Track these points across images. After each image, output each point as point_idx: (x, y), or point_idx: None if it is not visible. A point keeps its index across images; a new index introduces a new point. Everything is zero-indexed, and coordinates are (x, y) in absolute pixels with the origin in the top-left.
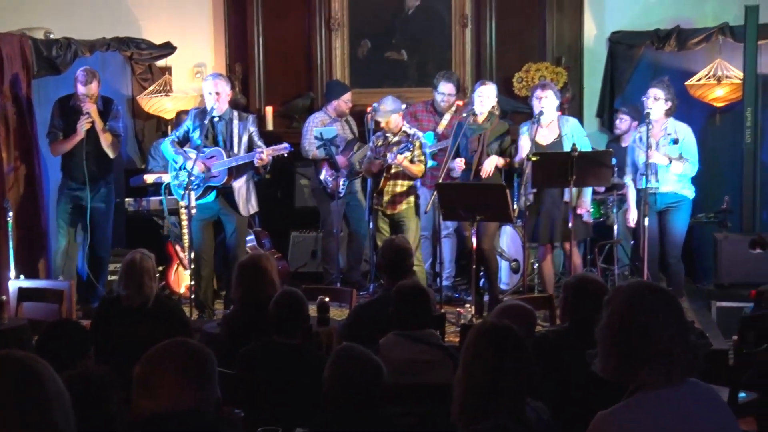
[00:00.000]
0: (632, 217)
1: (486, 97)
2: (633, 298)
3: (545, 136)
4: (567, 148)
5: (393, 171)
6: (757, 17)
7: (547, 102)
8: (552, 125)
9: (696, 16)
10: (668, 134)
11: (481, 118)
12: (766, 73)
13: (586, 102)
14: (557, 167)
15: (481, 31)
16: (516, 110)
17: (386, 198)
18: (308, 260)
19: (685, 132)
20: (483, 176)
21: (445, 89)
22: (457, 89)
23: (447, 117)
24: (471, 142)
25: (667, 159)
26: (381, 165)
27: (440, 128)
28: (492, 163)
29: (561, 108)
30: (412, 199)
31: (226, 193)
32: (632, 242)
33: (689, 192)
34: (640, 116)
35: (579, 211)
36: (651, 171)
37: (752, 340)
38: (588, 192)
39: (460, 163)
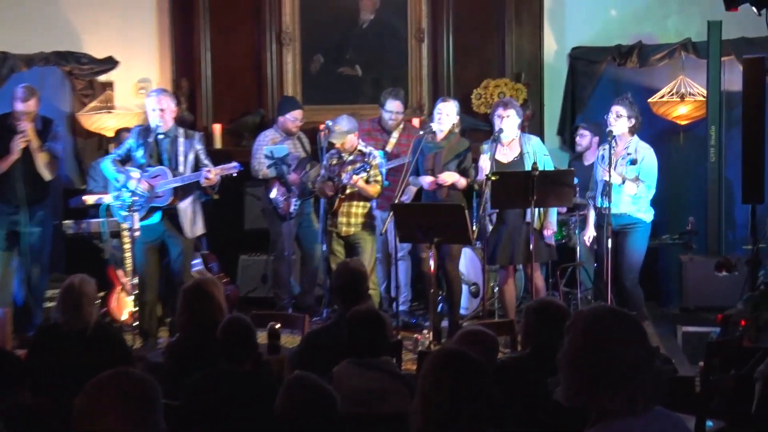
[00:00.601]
0: (588, 235)
1: (446, 115)
2: (595, 323)
3: (506, 154)
4: (528, 167)
5: (348, 191)
6: (720, 33)
7: (509, 121)
8: (513, 143)
9: (658, 31)
10: (628, 154)
11: (440, 136)
12: (730, 91)
13: (546, 119)
14: (517, 187)
15: (438, 46)
16: (475, 128)
17: (341, 219)
18: (258, 285)
19: (645, 153)
20: (441, 182)
21: (393, 107)
22: (405, 106)
23: (395, 135)
24: (426, 161)
25: (621, 179)
26: (335, 186)
27: (389, 147)
28: (451, 176)
29: (521, 126)
30: (367, 220)
31: (171, 215)
32: (595, 265)
33: (646, 215)
34: (602, 132)
35: (546, 233)
36: (609, 190)
37: (719, 367)
38: (553, 212)
39: (428, 181)
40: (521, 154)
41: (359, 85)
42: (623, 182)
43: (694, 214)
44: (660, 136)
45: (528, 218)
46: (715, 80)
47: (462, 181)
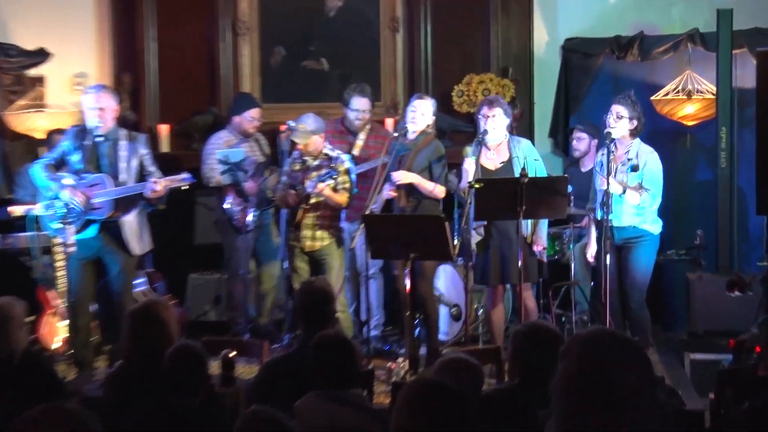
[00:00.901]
0: (590, 252)
1: (421, 114)
2: (592, 348)
3: (492, 159)
4: (518, 174)
5: (313, 201)
6: (730, 22)
7: (495, 122)
8: (501, 147)
9: (662, 21)
10: (628, 159)
11: (411, 137)
12: (743, 87)
13: (537, 120)
14: (504, 196)
15: (414, 38)
16: (456, 129)
17: (304, 232)
18: (210, 307)
19: (648, 158)
20: (394, 181)
21: (359, 105)
22: (373, 104)
23: (362, 137)
24: (395, 165)
25: (621, 187)
26: (298, 195)
27: (355, 150)
28: (409, 176)
29: (510, 127)
30: (335, 233)
31: (110, 228)
32: (592, 283)
33: (652, 227)
34: (600, 134)
35: (535, 248)
36: (608, 200)
37: (731, 399)
38: (544, 225)
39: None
40: (510, 160)
41: (325, 80)
42: (624, 191)
43: (703, 227)
44: (664, 138)
45: (525, 230)
46: (725, 76)
47: (427, 185)
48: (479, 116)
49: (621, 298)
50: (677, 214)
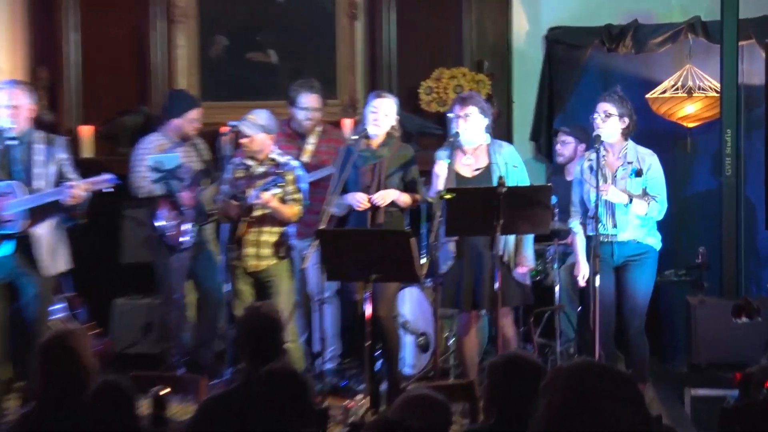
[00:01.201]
0: (582, 274)
1: (383, 114)
2: (579, 381)
3: (469, 165)
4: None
5: (257, 213)
6: (737, 10)
7: (469, 122)
8: (479, 152)
9: (659, 8)
10: (628, 163)
11: (376, 142)
12: (751, 84)
13: (516, 121)
14: (479, 208)
15: (376, 26)
16: (423, 131)
17: (248, 250)
18: (139, 337)
19: (650, 161)
20: (376, 203)
21: (308, 102)
22: (322, 100)
23: (312, 140)
24: (362, 175)
25: (627, 196)
26: (241, 206)
27: (305, 156)
28: (391, 194)
29: (490, 128)
30: (283, 250)
31: (25, 245)
32: (579, 308)
33: (655, 241)
34: (589, 137)
35: (519, 270)
36: (607, 212)
37: None
38: (529, 243)
39: (359, 199)
40: (489, 166)
41: (274, 75)
42: (630, 201)
43: (706, 244)
44: (660, 141)
45: (500, 249)
46: (730, 71)
47: (404, 198)
48: (451, 116)
49: (618, 325)
50: (676, 229)
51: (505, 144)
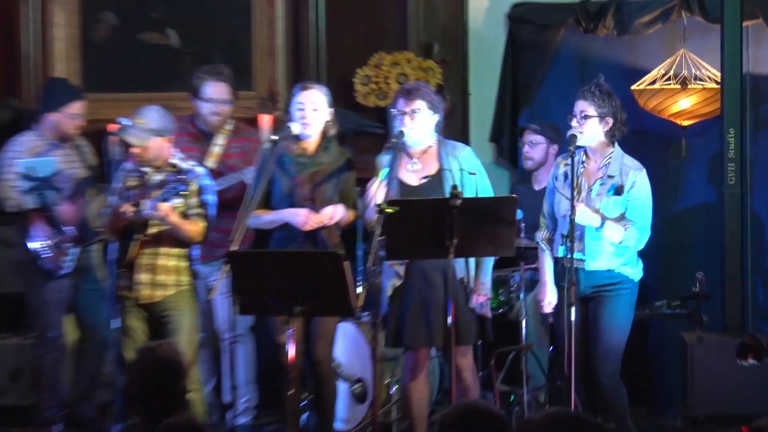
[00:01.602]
0: (548, 299)
1: (312, 110)
2: None
3: (417, 172)
4: (447, 187)
5: (153, 230)
6: None
7: (416, 120)
8: (428, 156)
9: None
10: (609, 177)
11: (311, 145)
12: (758, 73)
13: (473, 117)
14: (427, 225)
15: (301, 3)
16: (360, 130)
17: (141, 276)
18: (6, 385)
19: (635, 177)
20: (320, 223)
21: (215, 92)
22: (233, 91)
23: (220, 140)
24: (297, 185)
25: (599, 218)
26: (135, 212)
27: (210, 160)
28: (336, 209)
29: (441, 127)
30: (185, 278)
31: None
32: (551, 348)
33: (633, 271)
34: (562, 137)
35: (476, 299)
36: (575, 233)
37: None
38: (488, 267)
39: (304, 217)
40: (440, 173)
41: (174, 61)
42: (602, 224)
43: (704, 268)
44: (649, 144)
45: (460, 273)
46: (733, 57)
47: (350, 215)
48: (394, 112)
49: (587, 369)
50: (668, 251)
51: (459, 146)
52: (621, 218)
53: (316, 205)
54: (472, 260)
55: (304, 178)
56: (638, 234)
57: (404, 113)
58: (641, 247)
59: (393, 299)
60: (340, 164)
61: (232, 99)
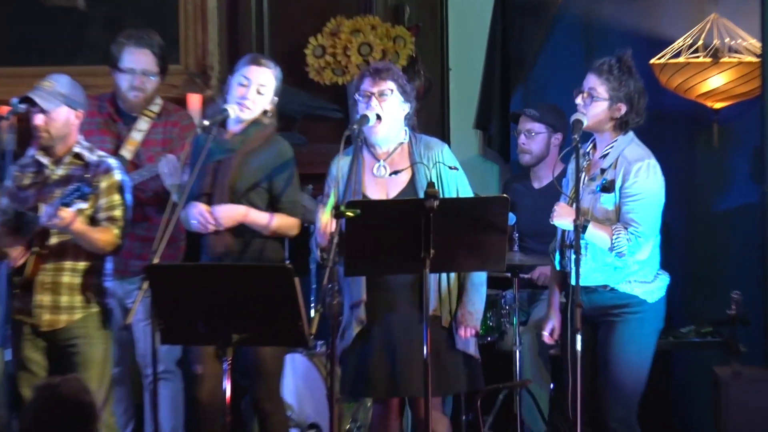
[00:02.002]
0: (548, 327)
1: (255, 91)
2: None
3: (383, 179)
4: (422, 191)
5: (54, 240)
6: None
7: (386, 104)
8: (398, 156)
9: None
10: (601, 170)
11: (237, 129)
12: None
13: (454, 98)
14: (397, 232)
15: None
16: (312, 112)
17: (39, 298)
18: None
19: (634, 169)
20: (215, 225)
21: (135, 61)
22: (162, 63)
23: (143, 125)
24: (206, 175)
25: (581, 220)
26: (28, 228)
27: (128, 149)
28: (234, 210)
29: (411, 117)
30: (94, 298)
31: None
32: (551, 386)
33: (649, 288)
34: (566, 125)
35: (460, 333)
36: (566, 239)
37: None
38: (478, 293)
39: (201, 215)
40: (412, 170)
41: (81, 27)
42: (584, 228)
43: (742, 287)
44: (673, 131)
45: (431, 305)
46: None
47: (260, 219)
48: (357, 95)
49: (593, 411)
50: (696, 265)
51: (434, 140)
52: (613, 219)
53: (215, 201)
54: (444, 281)
55: (211, 167)
56: (633, 240)
57: (371, 95)
58: (643, 256)
59: (356, 331)
60: (282, 160)
61: (157, 72)
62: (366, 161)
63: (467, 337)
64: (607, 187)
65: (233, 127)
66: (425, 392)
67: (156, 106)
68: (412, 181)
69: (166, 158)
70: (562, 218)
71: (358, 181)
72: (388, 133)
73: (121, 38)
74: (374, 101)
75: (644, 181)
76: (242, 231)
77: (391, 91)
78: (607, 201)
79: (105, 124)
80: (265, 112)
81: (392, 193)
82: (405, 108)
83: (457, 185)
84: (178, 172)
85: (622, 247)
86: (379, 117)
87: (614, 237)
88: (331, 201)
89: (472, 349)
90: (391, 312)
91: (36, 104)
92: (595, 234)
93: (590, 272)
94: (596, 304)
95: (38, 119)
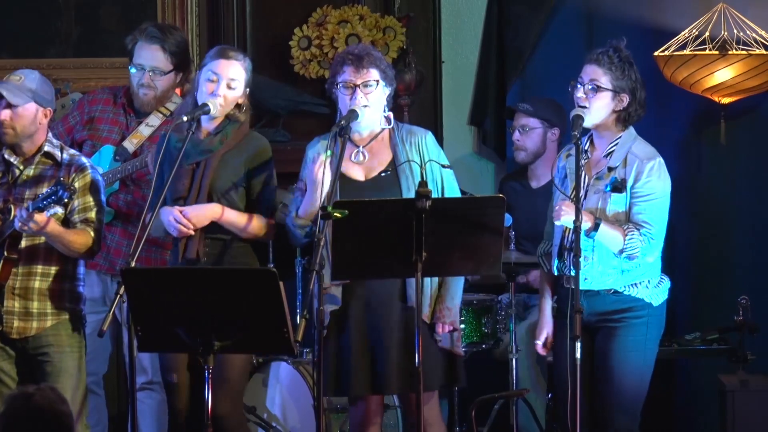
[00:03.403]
0: (542, 336)
1: (227, 86)
2: None
3: (366, 166)
4: (408, 189)
5: (25, 243)
6: None
7: (370, 96)
8: (378, 144)
9: None
10: (609, 169)
11: (206, 128)
12: None
13: (447, 92)
14: (387, 233)
15: None
16: (297, 108)
17: (11, 304)
18: None
19: (645, 167)
20: (185, 229)
21: (145, 57)
22: (176, 60)
23: (155, 120)
24: (183, 176)
25: (591, 221)
26: None
27: (132, 141)
28: (208, 211)
29: (390, 105)
30: (68, 305)
31: None
32: (548, 396)
33: (650, 291)
34: (565, 120)
35: (438, 330)
36: (566, 240)
37: None
38: (456, 287)
39: (174, 218)
40: (394, 166)
41: (53, 17)
42: (596, 229)
43: (749, 291)
44: (677, 127)
45: (411, 299)
46: None
47: (238, 220)
48: (337, 87)
49: (595, 423)
50: (702, 268)
51: (417, 130)
52: (623, 220)
53: (189, 204)
54: (433, 282)
55: (186, 170)
56: (645, 242)
57: (355, 86)
58: (652, 259)
59: (329, 332)
60: (261, 160)
61: (170, 69)
62: (349, 147)
63: (445, 332)
64: (619, 187)
65: (207, 125)
66: (415, 389)
67: (172, 105)
68: (394, 170)
69: (154, 148)
70: (568, 217)
71: (338, 168)
72: (371, 121)
73: (137, 32)
74: (359, 94)
75: (657, 180)
76: (214, 235)
77: (377, 82)
78: (618, 201)
79: (117, 114)
80: (238, 106)
81: (372, 175)
82: (387, 91)
83: (443, 185)
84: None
85: (634, 249)
86: (356, 115)
87: (627, 238)
88: (326, 153)
89: (455, 346)
90: (366, 307)
91: (2, 97)
92: (607, 234)
93: (598, 276)
94: (596, 309)
95: (4, 114)
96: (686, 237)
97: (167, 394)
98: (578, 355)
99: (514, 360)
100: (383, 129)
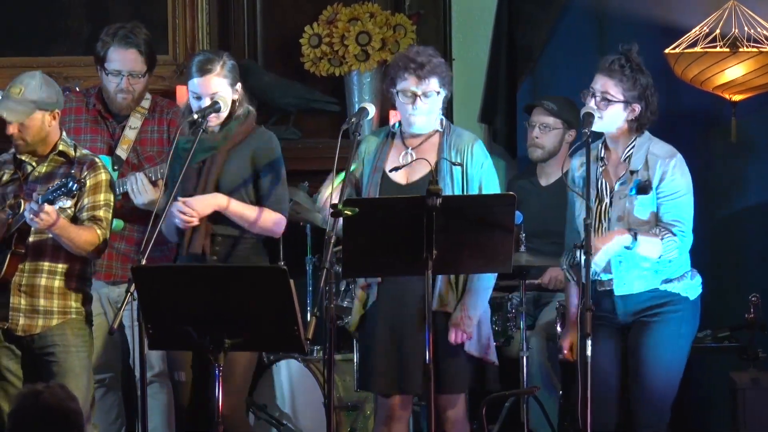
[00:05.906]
0: (570, 341)
1: (208, 100)
2: None
3: (410, 170)
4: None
5: (32, 239)
6: None
7: (430, 104)
8: (426, 146)
9: None
10: (631, 172)
11: (211, 126)
12: None
13: (458, 89)
14: (397, 231)
15: None
16: (308, 106)
17: (17, 301)
18: None
19: (667, 166)
20: (189, 217)
21: (122, 62)
22: (149, 60)
23: (136, 121)
24: (187, 179)
25: (630, 235)
26: (6, 232)
27: (122, 147)
28: (213, 200)
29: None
30: (75, 302)
31: None
32: (560, 393)
33: (685, 285)
34: (578, 117)
35: (454, 338)
36: (588, 243)
37: None
38: (481, 295)
39: (180, 212)
40: (437, 168)
41: (61, 14)
42: (635, 240)
43: (760, 289)
44: (688, 125)
45: (436, 300)
46: None
47: (247, 212)
48: (395, 89)
49: (621, 417)
50: (713, 266)
51: (466, 136)
52: (653, 223)
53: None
54: (460, 278)
55: (192, 169)
56: (679, 242)
57: (416, 96)
58: (685, 250)
59: (358, 327)
60: (268, 158)
61: (145, 70)
62: (395, 145)
63: (461, 338)
64: (644, 188)
65: (210, 124)
66: (439, 390)
67: (146, 102)
68: (438, 172)
69: (134, 176)
70: (613, 248)
71: (378, 171)
72: (426, 124)
73: (106, 36)
74: (419, 103)
75: (681, 177)
76: (223, 232)
77: (437, 93)
78: (644, 203)
79: (95, 121)
80: (234, 103)
81: (416, 179)
82: (444, 94)
83: (481, 181)
84: (147, 190)
85: (671, 252)
86: (415, 124)
87: (664, 243)
88: (338, 179)
89: (488, 354)
90: (395, 306)
91: None
92: (646, 244)
93: (631, 281)
94: (634, 308)
95: (11, 128)
96: (697, 234)
97: (174, 392)
98: (588, 352)
99: (524, 358)
100: (436, 131)
